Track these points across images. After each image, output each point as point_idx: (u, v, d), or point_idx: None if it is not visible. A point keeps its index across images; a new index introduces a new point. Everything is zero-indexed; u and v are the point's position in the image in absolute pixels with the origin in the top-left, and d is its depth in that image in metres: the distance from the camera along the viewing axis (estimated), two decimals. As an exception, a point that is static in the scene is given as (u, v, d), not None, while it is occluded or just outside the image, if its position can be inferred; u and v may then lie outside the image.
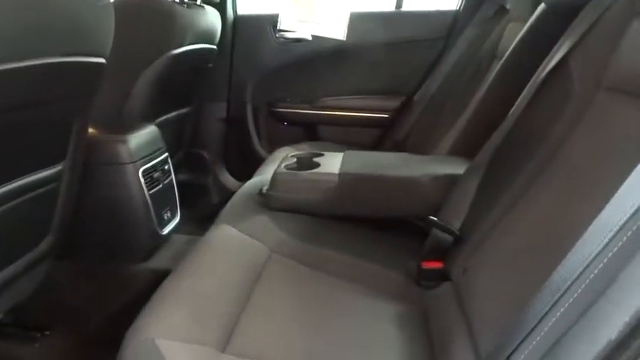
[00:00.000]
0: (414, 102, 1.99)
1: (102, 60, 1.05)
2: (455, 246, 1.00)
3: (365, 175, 1.17)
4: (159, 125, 1.61)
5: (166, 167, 1.40)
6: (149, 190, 1.30)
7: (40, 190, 1.07)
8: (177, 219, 1.46)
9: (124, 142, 1.26)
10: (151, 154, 1.33)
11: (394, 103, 2.04)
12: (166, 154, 1.43)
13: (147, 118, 1.45)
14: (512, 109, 1.07)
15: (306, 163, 1.28)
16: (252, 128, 2.15)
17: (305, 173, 1.19)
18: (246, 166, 2.07)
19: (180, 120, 1.86)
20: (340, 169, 1.19)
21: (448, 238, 1.02)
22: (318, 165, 1.24)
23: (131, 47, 1.41)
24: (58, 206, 1.14)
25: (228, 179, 2.22)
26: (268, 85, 2.12)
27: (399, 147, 1.89)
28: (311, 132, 2.15)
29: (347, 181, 1.16)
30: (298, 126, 2.16)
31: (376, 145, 2.03)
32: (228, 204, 1.28)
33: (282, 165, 1.26)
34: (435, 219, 1.04)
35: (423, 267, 1.03)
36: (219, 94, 2.11)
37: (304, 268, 1.03)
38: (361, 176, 1.16)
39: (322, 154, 1.34)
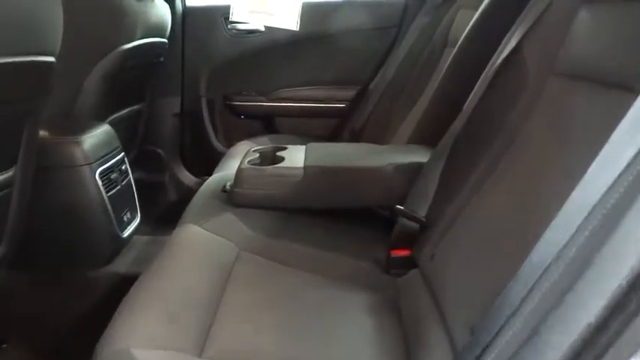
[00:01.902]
0: (370, 91, 2.01)
1: (52, 59, 1.00)
2: (422, 233, 1.02)
3: (330, 167, 1.17)
4: (112, 124, 1.56)
5: (123, 167, 1.36)
6: (107, 192, 1.25)
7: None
8: (137, 220, 1.42)
9: (78, 143, 1.20)
10: (107, 155, 1.29)
11: (350, 92, 2.05)
12: (122, 153, 1.38)
13: (99, 117, 1.40)
14: (470, 96, 1.09)
15: (269, 158, 1.27)
16: (207, 122, 2.12)
17: (270, 168, 1.18)
18: (204, 162, 2.05)
19: (134, 117, 1.81)
20: (305, 162, 1.19)
21: (415, 226, 1.04)
22: (282, 159, 1.24)
23: (80, 43, 1.35)
24: (9, 214, 1.08)
25: (186, 176, 2.18)
26: (222, 77, 2.08)
27: (356, 136, 1.90)
28: (268, 124, 2.14)
29: (313, 174, 1.16)
30: (255, 119, 2.14)
31: (334, 136, 2.04)
32: (192, 202, 1.25)
33: (245, 160, 1.24)
34: (402, 207, 1.05)
35: (392, 255, 1.05)
36: (172, 88, 2.06)
37: (274, 264, 1.03)
38: (326, 169, 1.17)
39: (285, 148, 1.33)
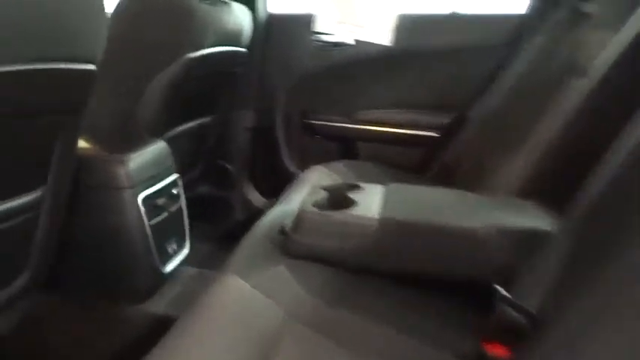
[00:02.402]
0: (469, 119, 1.72)
1: (91, 67, 0.84)
2: (531, 333, 0.74)
3: (412, 222, 0.92)
4: (175, 136, 1.41)
5: (175, 191, 1.19)
6: (150, 220, 1.09)
7: (14, 221, 0.87)
8: (184, 252, 1.25)
9: (123, 162, 1.05)
10: (154, 177, 1.13)
11: (445, 119, 1.77)
12: (175, 175, 1.22)
13: (157, 132, 1.25)
14: (615, 146, 0.80)
15: (338, 200, 1.04)
16: (281, 140, 1.93)
17: (337, 214, 0.95)
18: (274, 182, 1.87)
19: (202, 130, 1.66)
20: (381, 211, 0.95)
21: (521, 319, 0.76)
22: (353, 203, 1.00)
23: (140, 50, 1.21)
24: (36, 239, 0.94)
25: (254, 195, 2.01)
26: (302, 92, 1.89)
27: (448, 172, 1.62)
28: (347, 148, 1.91)
29: (389, 228, 0.91)
30: (333, 141, 1.92)
31: (421, 168, 1.77)
32: (243, 242, 1.06)
33: (310, 200, 1.02)
34: (503, 291, 0.77)
35: (486, 352, 0.78)
36: (247, 101, 1.90)
37: (327, 342, 0.80)
38: (407, 224, 0.92)
39: (358, 187, 1.10)
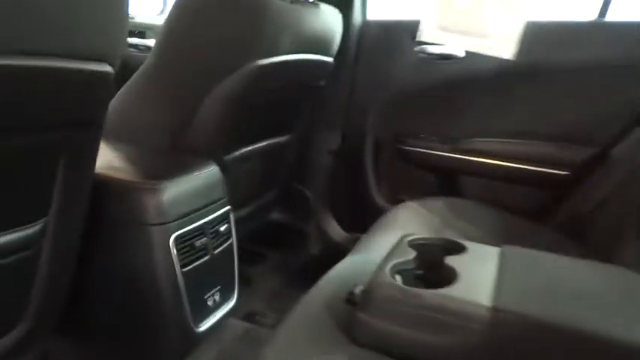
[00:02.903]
0: (612, 157, 1.32)
1: (107, 67, 0.62)
2: None
3: (548, 322, 0.59)
4: (242, 158, 1.18)
5: (223, 228, 0.96)
6: (184, 266, 0.86)
7: (3, 261, 0.67)
8: (230, 304, 1.00)
9: (154, 191, 0.83)
10: (196, 210, 0.89)
11: (578, 155, 1.39)
12: (226, 208, 0.98)
13: (213, 153, 1.02)
14: None
15: (430, 266, 0.74)
16: (370, 167, 1.65)
17: (427, 295, 0.65)
18: (358, 215, 1.60)
19: (277, 150, 1.43)
20: (495, 294, 0.63)
21: None
22: (453, 276, 0.69)
23: (199, 53, 0.99)
24: (36, 284, 0.73)
25: (333, 227, 1.74)
26: (398, 113, 1.60)
27: (579, 224, 1.24)
28: (448, 182, 1.59)
29: (509, 326, 0.59)
30: (431, 172, 1.60)
31: (543, 216, 1.39)
32: (296, 309, 0.79)
33: (392, 260, 0.73)
34: None
35: None
36: (332, 119, 1.65)
37: None
38: (540, 324, 0.59)
39: (462, 248, 0.78)
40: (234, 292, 1.01)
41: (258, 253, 1.78)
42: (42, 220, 0.70)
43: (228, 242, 0.98)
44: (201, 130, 1.04)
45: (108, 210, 0.83)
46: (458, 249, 0.79)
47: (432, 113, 1.58)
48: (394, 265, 0.73)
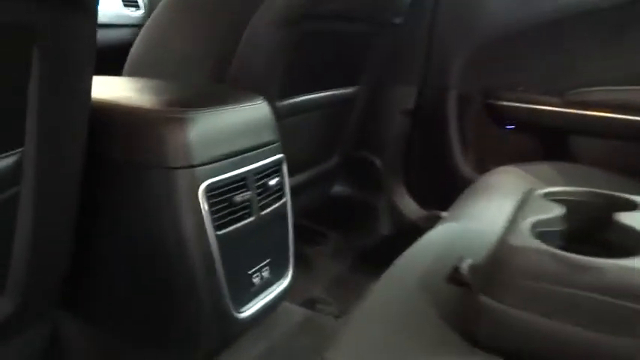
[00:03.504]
0: None
1: None
2: None
3: None
4: (297, 109, 0.96)
5: (274, 182, 0.72)
6: (220, 228, 0.63)
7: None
8: (284, 283, 0.76)
9: (178, 122, 0.60)
10: (237, 154, 0.66)
11: None
12: (279, 155, 0.74)
13: (263, 93, 0.78)
14: None
15: (592, 227, 0.47)
16: (453, 129, 1.37)
17: (609, 265, 0.38)
18: (439, 187, 1.35)
19: (341, 105, 1.18)
20: None
21: None
22: (634, 237, 0.42)
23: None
24: (15, 242, 0.53)
25: (408, 203, 1.48)
26: (489, 61, 1.30)
27: None
28: (554, 144, 1.28)
29: None
30: (532, 132, 1.30)
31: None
32: (372, 291, 0.54)
33: (525, 219, 0.47)
34: None
35: None
36: (406, 72, 1.37)
37: None
38: None
39: (634, 203, 0.50)
40: (288, 269, 0.77)
41: (318, 232, 1.55)
42: (15, 151, 0.49)
43: (281, 202, 0.74)
44: (246, 62, 0.80)
45: (116, 148, 0.62)
46: (625, 204, 0.51)
47: (533, 60, 1.27)
48: (535, 224, 0.46)
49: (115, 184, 0.63)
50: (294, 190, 1.10)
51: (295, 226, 1.07)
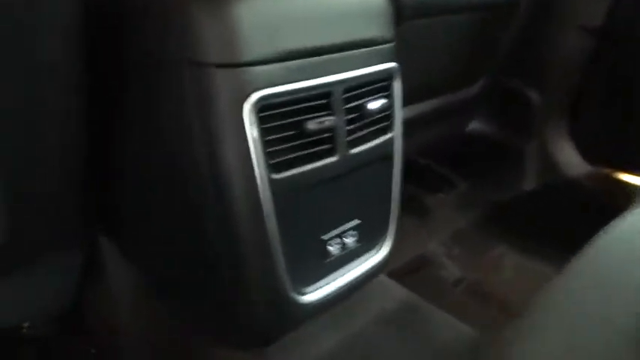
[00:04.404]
0: None
1: None
2: None
3: None
4: (423, 7, 0.67)
5: (376, 105, 0.45)
6: (278, 169, 0.39)
7: None
8: (380, 254, 0.52)
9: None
10: (316, 53, 0.40)
11: None
12: (391, 64, 0.47)
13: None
14: None
15: None
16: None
17: None
18: (618, 143, 1.02)
19: (490, 12, 0.85)
20: None
21: None
22: None
23: None
24: None
25: (570, 155, 1.15)
26: None
27: None
28: None
29: None
30: None
31: None
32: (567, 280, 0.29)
33: None
34: None
35: None
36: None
37: None
38: None
39: None
40: (386, 235, 0.52)
41: (443, 177, 1.28)
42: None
43: (385, 136, 0.48)
44: None
45: (129, 39, 0.40)
46: None
47: None
48: None
49: (127, 84, 0.42)
50: (416, 123, 0.83)
51: (414, 166, 0.81)
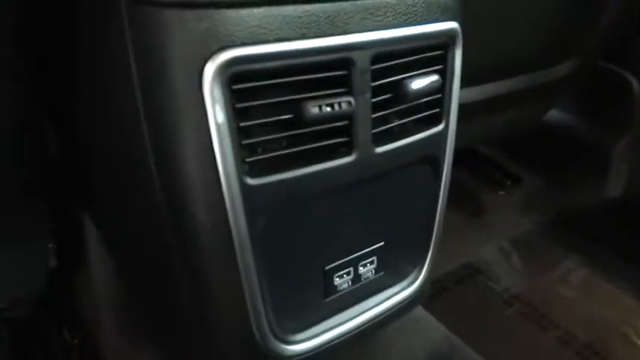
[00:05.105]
0: None
1: None
2: None
3: None
4: None
5: (420, 84, 0.31)
6: (256, 172, 0.26)
7: None
8: (411, 286, 0.38)
9: None
10: None
11: None
12: (447, 24, 0.32)
13: None
14: None
15: None
16: None
17: None
18: None
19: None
20: None
21: None
22: None
23: None
24: None
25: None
26: None
27: None
28: None
29: None
30: None
31: None
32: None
33: None
34: None
35: None
36: None
37: None
38: None
39: None
40: (422, 263, 0.38)
41: (508, 173, 1.10)
42: None
43: (432, 130, 0.33)
44: None
45: None
46: None
47: None
48: None
49: (77, 43, 0.29)
50: (478, 109, 0.66)
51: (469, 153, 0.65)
